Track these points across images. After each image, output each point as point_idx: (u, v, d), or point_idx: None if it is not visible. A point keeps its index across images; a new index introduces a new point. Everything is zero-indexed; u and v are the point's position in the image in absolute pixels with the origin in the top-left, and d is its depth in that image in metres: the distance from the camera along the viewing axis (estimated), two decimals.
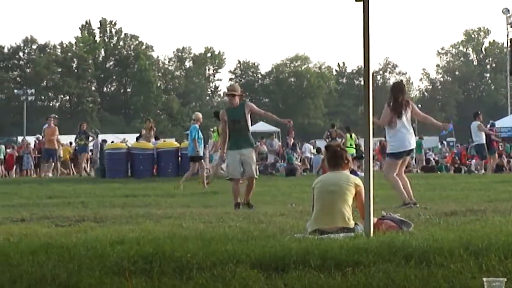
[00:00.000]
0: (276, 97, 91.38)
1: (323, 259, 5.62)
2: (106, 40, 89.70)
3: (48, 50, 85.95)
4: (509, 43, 57.73)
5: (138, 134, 29.83)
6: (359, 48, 6.74)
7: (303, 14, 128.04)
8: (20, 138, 43.38)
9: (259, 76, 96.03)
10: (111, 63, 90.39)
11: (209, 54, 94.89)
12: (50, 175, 26.29)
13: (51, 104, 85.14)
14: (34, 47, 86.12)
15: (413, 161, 30.41)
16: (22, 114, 66.04)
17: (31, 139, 36.20)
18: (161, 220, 9.04)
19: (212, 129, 23.52)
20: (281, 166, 29.64)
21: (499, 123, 40.73)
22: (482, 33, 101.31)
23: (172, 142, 28.32)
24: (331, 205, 7.15)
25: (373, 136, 6.98)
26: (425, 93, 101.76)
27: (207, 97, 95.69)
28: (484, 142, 23.67)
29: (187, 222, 8.65)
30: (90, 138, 29.44)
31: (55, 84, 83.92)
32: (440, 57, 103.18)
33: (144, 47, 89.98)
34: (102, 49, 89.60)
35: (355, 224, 7.14)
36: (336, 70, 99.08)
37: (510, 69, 39.95)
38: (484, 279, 4.65)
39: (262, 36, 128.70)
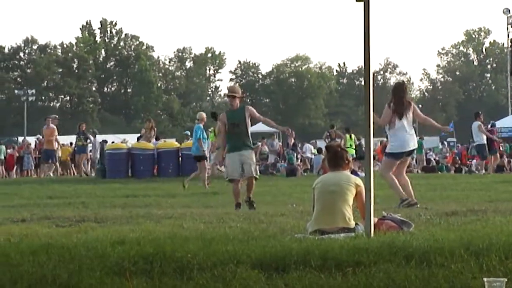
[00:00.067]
0: (276, 97, 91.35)
1: (323, 259, 5.62)
2: (107, 40, 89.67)
3: (49, 51, 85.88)
4: (509, 43, 57.71)
5: (138, 135, 29.79)
6: (360, 48, 6.74)
7: (304, 14, 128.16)
8: (20, 139, 43.33)
9: (260, 76, 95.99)
10: (112, 63, 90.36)
11: (209, 54, 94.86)
12: (52, 175, 26.34)
13: (51, 105, 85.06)
14: (35, 47, 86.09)
15: (414, 161, 30.44)
16: (23, 114, 66.01)
17: (31, 140, 36.24)
18: (162, 221, 9.04)
19: (210, 130, 23.54)
20: (281, 166, 29.66)
21: (499, 123, 40.70)
22: (482, 33, 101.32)
23: (172, 143, 28.36)
24: (332, 205, 7.14)
25: (373, 136, 6.98)
26: (426, 93, 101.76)
27: (208, 97, 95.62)
28: (485, 142, 23.67)
29: (187, 223, 8.65)
30: (88, 140, 29.35)
31: (55, 84, 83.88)
32: (441, 57, 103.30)
33: (144, 47, 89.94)
34: (103, 50, 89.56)
35: (356, 224, 7.14)
36: (336, 70, 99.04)
37: (511, 69, 39.93)
38: (485, 279, 4.66)
39: (262, 36, 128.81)
